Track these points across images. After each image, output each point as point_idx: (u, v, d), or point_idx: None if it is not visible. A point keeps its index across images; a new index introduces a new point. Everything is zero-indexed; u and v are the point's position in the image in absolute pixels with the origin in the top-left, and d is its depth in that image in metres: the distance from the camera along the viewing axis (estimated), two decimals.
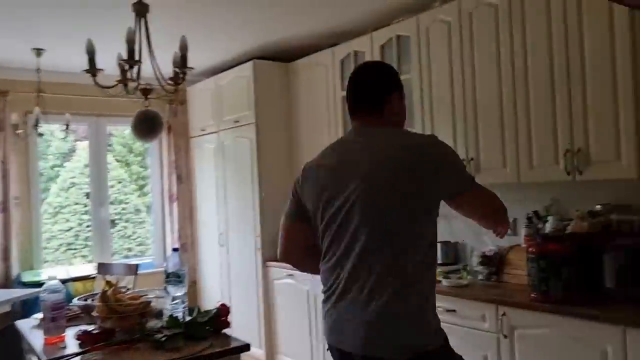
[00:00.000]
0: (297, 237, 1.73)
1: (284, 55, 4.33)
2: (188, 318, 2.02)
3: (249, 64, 4.28)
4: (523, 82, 2.68)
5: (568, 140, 2.50)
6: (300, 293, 3.87)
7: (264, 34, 3.94)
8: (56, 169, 5.04)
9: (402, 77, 3.15)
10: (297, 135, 4.31)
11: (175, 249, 2.22)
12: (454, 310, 2.69)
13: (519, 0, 2.67)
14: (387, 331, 1.46)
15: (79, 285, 4.05)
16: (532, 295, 2.39)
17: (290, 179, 4.22)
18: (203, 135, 4.93)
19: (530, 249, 2.43)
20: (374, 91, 1.63)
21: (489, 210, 1.64)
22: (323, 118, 4.01)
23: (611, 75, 2.34)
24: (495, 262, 2.97)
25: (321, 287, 1.64)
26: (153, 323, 1.99)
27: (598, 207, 2.57)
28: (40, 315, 2.18)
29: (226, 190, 4.65)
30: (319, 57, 4.04)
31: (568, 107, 2.50)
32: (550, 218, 2.69)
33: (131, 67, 2.50)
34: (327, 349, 1.63)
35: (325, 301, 1.61)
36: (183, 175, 5.12)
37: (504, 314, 2.46)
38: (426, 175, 1.48)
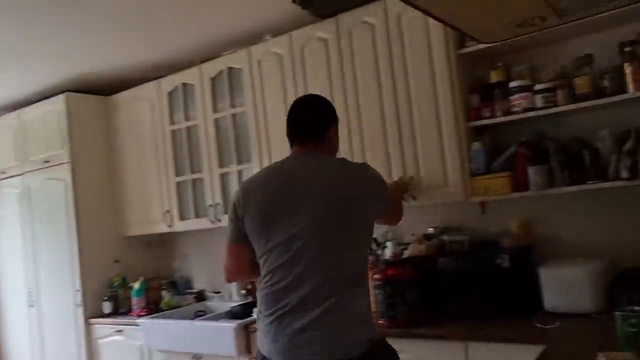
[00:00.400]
0: (245, 257, 1.77)
1: (103, 88, 3.95)
2: None
3: (61, 97, 3.80)
4: (356, 116, 2.77)
5: (401, 170, 2.61)
6: (132, 350, 3.45)
7: (78, 65, 3.54)
8: None
9: (236, 111, 3.18)
10: (121, 173, 3.91)
11: None
12: None
13: (347, 36, 2.78)
14: (346, 333, 1.60)
15: None
16: (380, 322, 2.41)
17: (116, 222, 3.89)
18: (3, 178, 4.23)
19: (375, 276, 2.45)
20: (318, 122, 1.82)
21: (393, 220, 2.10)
22: (150, 155, 3.71)
23: (435, 111, 2.52)
24: None
25: (262, 309, 1.69)
26: None
27: (431, 229, 2.73)
28: None
29: (35, 240, 4.02)
30: (143, 90, 3.76)
31: (399, 140, 2.63)
32: (388, 244, 2.78)
33: None
34: None
35: (272, 322, 1.64)
36: None
37: None
38: (368, 202, 1.72)
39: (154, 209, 3.71)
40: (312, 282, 1.60)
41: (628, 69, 2.12)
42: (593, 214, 2.44)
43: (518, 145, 2.35)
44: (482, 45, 2.43)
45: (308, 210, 1.64)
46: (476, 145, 2.46)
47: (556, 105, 2.29)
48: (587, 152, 2.20)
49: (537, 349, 1.82)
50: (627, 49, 2.18)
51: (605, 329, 1.81)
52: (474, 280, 2.39)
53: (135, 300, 3.64)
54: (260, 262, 1.71)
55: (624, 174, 2.08)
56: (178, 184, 3.59)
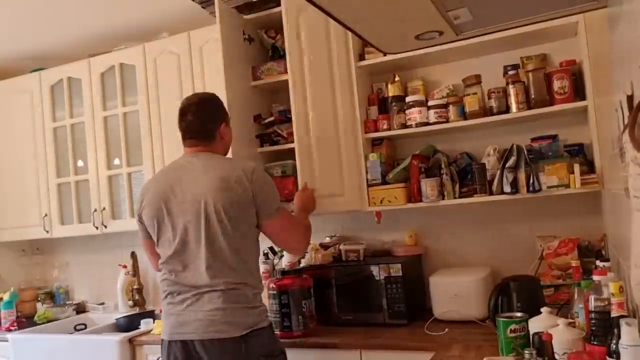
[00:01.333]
0: (153, 250, 2.01)
1: None
2: None
3: None
4: None
5: (299, 179, 2.60)
6: None
7: None
8: None
9: (127, 109, 2.99)
10: None
11: None
12: None
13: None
14: (228, 317, 1.79)
15: None
16: (275, 331, 2.36)
17: None
18: None
19: (270, 286, 2.40)
20: (206, 122, 1.95)
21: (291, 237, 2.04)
22: (28, 153, 3.38)
23: (333, 121, 2.53)
24: None
25: (161, 294, 1.94)
26: None
27: (327, 239, 2.74)
28: None
29: None
30: (21, 82, 3.42)
31: (298, 148, 2.61)
32: (285, 252, 2.74)
33: None
34: (166, 345, 1.87)
35: (170, 303, 1.89)
36: None
37: None
38: (245, 205, 1.84)
39: (30, 213, 3.38)
40: (195, 272, 1.83)
41: (512, 91, 2.26)
42: (478, 227, 2.58)
43: (412, 158, 2.42)
44: (380, 59, 2.50)
45: (188, 209, 1.84)
46: (373, 157, 2.50)
47: (447, 121, 2.39)
48: (475, 166, 2.31)
49: (428, 356, 1.88)
50: (510, 72, 2.34)
51: (490, 335, 1.90)
52: (368, 289, 2.42)
53: (4, 313, 3.29)
54: (158, 252, 1.94)
55: (507, 188, 2.22)
56: (59, 186, 3.31)
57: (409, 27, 1.17)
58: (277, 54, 2.79)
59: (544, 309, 1.66)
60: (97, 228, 3.16)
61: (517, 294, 1.91)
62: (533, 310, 1.77)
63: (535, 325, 1.61)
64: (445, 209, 2.54)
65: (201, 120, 1.95)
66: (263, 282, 2.01)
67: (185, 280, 1.84)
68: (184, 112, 1.97)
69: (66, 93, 3.27)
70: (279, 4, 2.67)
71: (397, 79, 2.58)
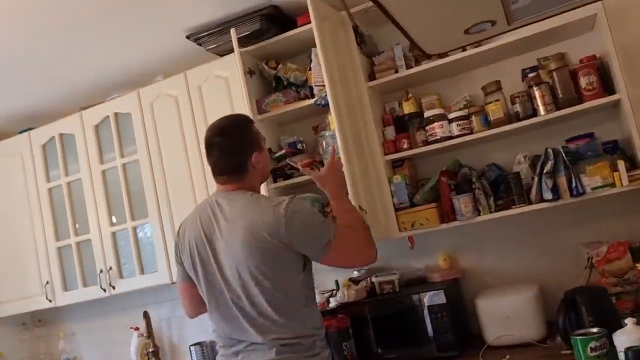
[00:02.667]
0: (189, 294, 1.79)
1: None
2: None
3: None
4: None
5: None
6: None
7: None
8: None
9: (126, 160, 2.83)
10: None
11: None
12: None
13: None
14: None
15: None
16: None
17: None
18: None
19: None
20: (234, 158, 1.68)
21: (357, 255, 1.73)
22: (23, 218, 3.18)
23: (361, 150, 2.38)
24: None
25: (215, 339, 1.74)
26: None
27: (356, 273, 2.56)
28: None
29: None
30: (10, 145, 3.25)
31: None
32: None
33: None
34: None
35: (222, 355, 1.69)
36: None
37: None
38: (284, 249, 1.56)
39: (30, 282, 3.15)
40: (241, 329, 1.62)
41: (537, 93, 2.15)
42: (516, 240, 2.42)
43: (440, 175, 2.28)
44: (391, 77, 2.39)
45: (222, 266, 1.63)
46: (397, 179, 2.35)
47: (472, 133, 2.26)
48: (510, 176, 2.17)
49: None
50: (530, 74, 2.23)
51: (560, 357, 1.72)
52: (410, 322, 2.24)
53: None
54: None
55: (548, 195, 2.07)
56: (59, 250, 3.10)
57: (463, 17, 1.04)
58: (281, 84, 2.66)
59: (628, 320, 1.49)
60: (104, 290, 2.94)
61: (586, 307, 1.74)
62: (606, 324, 1.60)
63: (623, 339, 1.44)
64: (479, 225, 2.37)
65: (228, 154, 1.68)
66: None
67: (234, 335, 1.64)
68: (209, 147, 1.71)
69: (59, 150, 3.09)
70: (276, 34, 2.56)
71: (410, 95, 2.46)
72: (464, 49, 2.29)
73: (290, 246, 1.56)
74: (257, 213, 1.59)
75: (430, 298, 2.21)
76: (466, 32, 1.14)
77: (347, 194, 1.87)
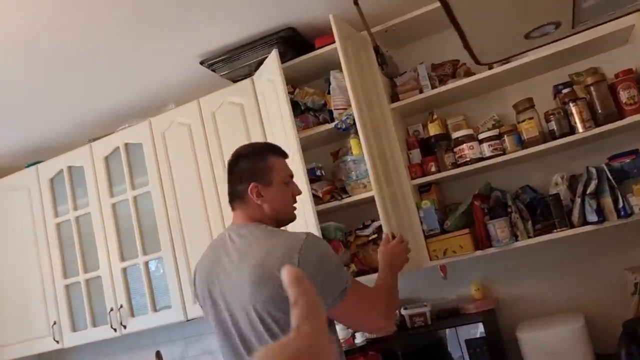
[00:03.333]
0: None
1: None
2: None
3: None
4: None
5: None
6: None
7: None
8: None
9: (137, 192, 2.71)
10: None
11: None
12: None
13: (262, 98, 2.49)
14: None
15: None
16: None
17: None
18: None
19: None
20: (235, 185, 1.56)
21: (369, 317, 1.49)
22: (30, 255, 3.04)
23: (389, 175, 2.27)
24: None
25: None
26: None
27: None
28: None
29: None
30: (17, 179, 3.14)
31: None
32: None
33: None
34: None
35: None
36: None
37: None
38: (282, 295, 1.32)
39: (36, 322, 2.99)
40: None
41: (574, 109, 2.03)
42: (555, 267, 2.27)
43: (473, 199, 2.14)
44: (415, 98, 2.28)
45: (230, 307, 1.47)
46: (426, 204, 2.22)
47: (504, 153, 2.14)
48: (550, 198, 2.03)
49: None
50: (565, 90, 2.12)
51: None
52: (446, 357, 2.07)
53: None
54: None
55: (592, 217, 1.93)
56: (67, 288, 2.95)
57: (528, 18, 0.93)
58: (299, 109, 2.56)
59: None
60: (115, 330, 2.79)
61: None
62: None
63: None
64: (513, 252, 2.22)
65: (232, 179, 1.57)
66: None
67: None
68: (229, 172, 1.61)
69: (67, 184, 2.98)
70: (292, 58, 2.47)
71: (436, 116, 2.35)
72: (490, 66, 2.20)
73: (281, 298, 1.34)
74: (268, 248, 1.42)
75: (468, 331, 2.05)
76: (527, 36, 1.03)
77: (396, 277, 1.67)
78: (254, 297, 1.38)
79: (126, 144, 2.84)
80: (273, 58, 2.31)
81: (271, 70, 2.34)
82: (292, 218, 1.61)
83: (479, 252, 2.12)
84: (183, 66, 2.57)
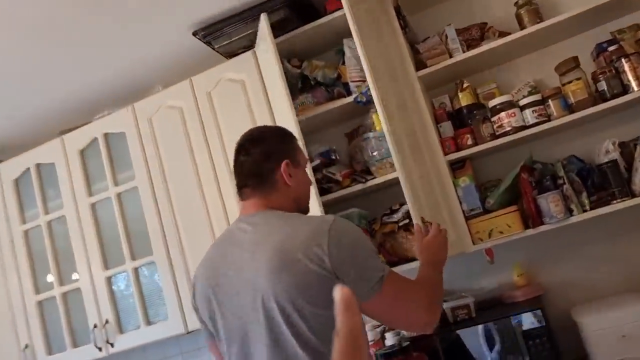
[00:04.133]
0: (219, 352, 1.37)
1: None
2: None
3: None
4: None
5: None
6: None
7: None
8: None
9: (121, 189, 2.36)
10: None
11: None
12: None
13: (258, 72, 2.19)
14: None
15: None
16: None
17: None
18: None
19: None
20: (259, 165, 1.34)
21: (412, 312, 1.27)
22: None
23: (419, 151, 2.01)
24: None
25: None
26: None
27: None
28: None
29: None
30: None
31: None
32: (387, 335, 2.09)
33: None
34: None
35: None
36: None
37: None
38: (325, 278, 1.15)
39: (4, 347, 2.57)
40: None
41: (626, 66, 1.83)
42: (610, 243, 2.05)
43: (521, 171, 1.90)
44: (445, 63, 2.04)
45: (244, 305, 1.23)
46: (464, 181, 1.97)
47: (550, 120, 1.92)
48: (607, 166, 1.82)
49: None
50: (611, 48, 1.92)
51: None
52: (501, 353, 1.82)
53: None
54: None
55: None
56: (40, 304, 2.54)
57: None
58: (309, 84, 2.27)
59: None
60: (100, 349, 2.40)
61: None
62: None
63: None
64: (558, 231, 1.99)
65: (254, 159, 1.34)
66: None
67: None
68: (236, 152, 1.39)
69: (36, 185, 2.58)
70: (296, 27, 2.19)
71: (466, 85, 2.11)
72: (522, 26, 1.99)
73: (333, 274, 1.15)
74: (290, 231, 1.22)
75: (522, 322, 1.81)
76: None
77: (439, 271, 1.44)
78: (274, 286, 1.17)
79: (105, 134, 2.48)
80: (263, 23, 2.02)
81: (263, 39, 2.06)
82: (308, 209, 1.42)
83: (530, 231, 1.88)
84: (172, 39, 2.24)
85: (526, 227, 1.89)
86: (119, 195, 2.44)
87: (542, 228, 1.87)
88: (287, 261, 1.16)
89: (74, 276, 2.51)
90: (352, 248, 1.18)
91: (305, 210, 1.40)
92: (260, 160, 1.34)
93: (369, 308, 1.20)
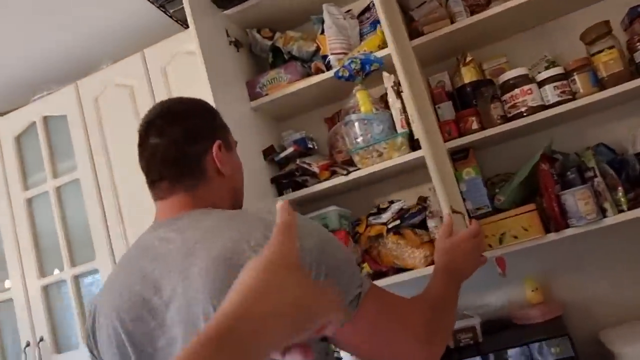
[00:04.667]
0: None
1: None
2: None
3: None
4: None
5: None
6: None
7: None
8: None
9: (63, 181, 2.00)
10: None
11: None
12: None
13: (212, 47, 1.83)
14: None
15: None
16: None
17: None
18: None
19: None
20: (182, 149, 0.96)
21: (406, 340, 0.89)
22: None
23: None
24: None
25: None
26: None
27: None
28: None
29: None
30: None
31: None
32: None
33: None
34: None
35: None
36: None
37: None
38: None
39: None
40: None
41: None
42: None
43: (541, 160, 1.53)
44: (447, 29, 1.67)
45: (174, 338, 0.85)
46: (469, 173, 1.60)
47: (574, 98, 1.55)
48: None
49: None
50: None
51: None
52: None
53: None
54: None
55: None
56: None
57: None
58: (281, 58, 1.91)
59: None
60: None
61: None
62: None
63: None
64: (585, 236, 1.59)
65: (172, 141, 0.97)
66: None
67: None
68: (145, 132, 0.99)
69: None
70: None
71: (470, 58, 1.74)
72: None
73: None
74: (235, 235, 0.83)
75: (543, 351, 1.43)
76: None
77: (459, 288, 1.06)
78: (219, 298, 0.79)
79: (44, 118, 2.11)
80: None
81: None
82: (242, 205, 1.07)
83: (551, 236, 1.50)
84: (123, 5, 1.87)
85: (547, 230, 1.51)
86: (58, 189, 2.08)
87: (568, 232, 1.49)
88: (235, 271, 0.77)
89: (6, 284, 2.13)
90: (320, 252, 0.81)
91: (240, 204, 1.05)
92: (182, 143, 0.97)
93: (341, 336, 0.85)
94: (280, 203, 0.57)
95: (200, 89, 1.82)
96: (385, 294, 0.89)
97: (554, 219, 1.49)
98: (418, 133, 1.48)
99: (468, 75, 1.71)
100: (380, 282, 1.57)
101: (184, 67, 1.90)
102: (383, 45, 1.69)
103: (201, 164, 0.97)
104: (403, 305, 0.91)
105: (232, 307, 0.46)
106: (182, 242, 0.88)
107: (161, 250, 0.90)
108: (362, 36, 1.83)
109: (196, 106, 1.04)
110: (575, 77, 1.55)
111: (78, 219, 2.03)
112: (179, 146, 0.96)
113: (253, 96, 1.84)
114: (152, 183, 0.99)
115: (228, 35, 1.84)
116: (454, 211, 1.34)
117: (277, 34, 1.92)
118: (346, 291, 0.82)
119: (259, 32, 1.92)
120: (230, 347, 0.43)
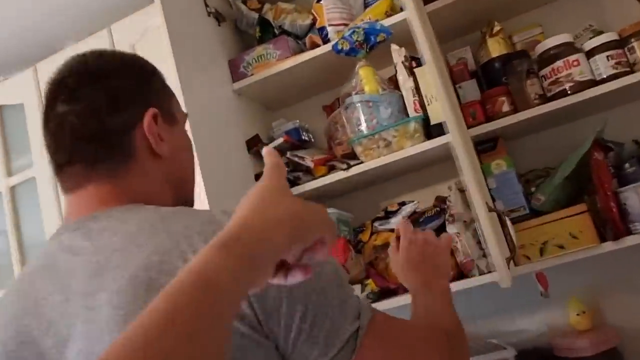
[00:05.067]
0: None
1: None
2: None
3: None
4: None
5: None
6: None
7: None
8: None
9: (17, 180, 1.70)
10: None
11: None
12: None
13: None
14: None
15: None
16: None
17: None
18: None
19: None
20: (99, 114, 0.67)
21: None
22: None
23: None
24: None
25: None
26: None
27: None
28: None
29: None
30: None
31: None
32: None
33: None
34: None
35: None
36: None
37: None
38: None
39: None
40: None
41: None
42: None
43: (593, 148, 1.20)
44: None
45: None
46: (500, 166, 1.28)
47: (633, 71, 1.23)
48: None
49: None
50: None
51: None
52: None
53: None
54: None
55: None
56: None
57: None
58: (270, 32, 1.61)
59: None
60: None
61: None
62: None
63: None
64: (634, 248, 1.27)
65: (87, 109, 0.67)
66: None
67: None
68: (52, 97, 0.69)
69: None
70: None
71: (499, 28, 1.43)
72: None
73: (259, 327, 0.55)
74: (170, 238, 0.58)
75: None
76: None
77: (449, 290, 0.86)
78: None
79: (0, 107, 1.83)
80: None
81: None
82: (193, 199, 0.79)
83: (608, 245, 1.17)
84: None
85: (601, 238, 1.18)
86: (12, 189, 1.78)
87: (630, 240, 1.16)
88: (163, 282, 0.50)
89: None
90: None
91: (190, 200, 0.77)
92: (101, 111, 0.68)
93: None
94: (266, 148, 0.54)
95: (173, 67, 1.54)
96: (393, 324, 0.65)
97: (612, 222, 1.16)
98: (441, 114, 1.16)
99: (496, 48, 1.39)
100: (388, 304, 1.25)
101: (156, 44, 1.60)
102: (391, 11, 1.39)
103: (127, 141, 0.68)
104: (417, 338, 0.67)
105: (235, 221, 0.47)
106: (93, 254, 0.60)
107: (63, 266, 0.61)
108: (366, 5, 1.53)
109: (124, 62, 0.74)
110: (634, 44, 1.23)
111: (34, 221, 1.73)
112: (96, 115, 0.67)
113: (236, 77, 1.54)
114: (59, 168, 0.69)
115: (207, 5, 1.55)
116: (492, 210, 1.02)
117: (267, 6, 1.62)
118: (342, 324, 0.58)
119: (244, 2, 1.63)
120: (239, 254, 0.44)
